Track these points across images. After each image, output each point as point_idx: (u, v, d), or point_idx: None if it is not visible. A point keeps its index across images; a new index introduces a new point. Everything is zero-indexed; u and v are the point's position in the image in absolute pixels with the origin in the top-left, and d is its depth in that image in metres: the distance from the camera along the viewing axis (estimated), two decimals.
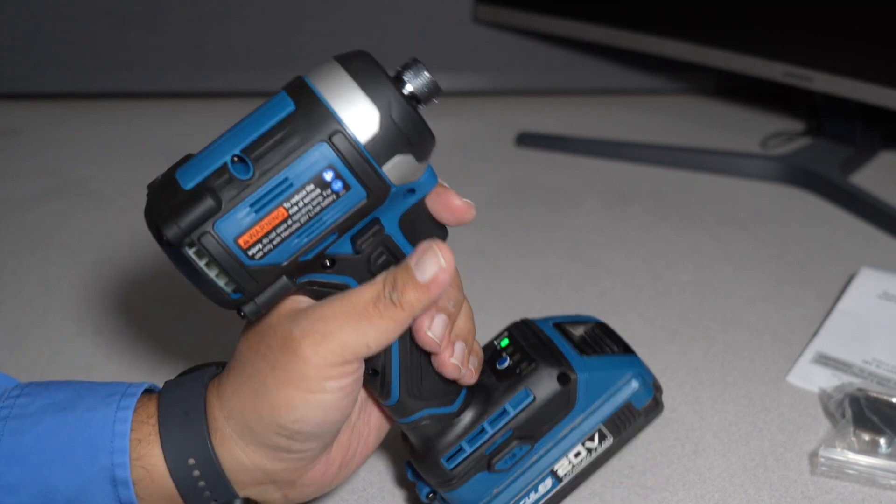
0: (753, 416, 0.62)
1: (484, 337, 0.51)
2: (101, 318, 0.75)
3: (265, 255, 0.39)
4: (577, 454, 0.48)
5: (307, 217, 0.38)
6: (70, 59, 1.20)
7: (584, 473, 0.49)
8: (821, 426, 0.61)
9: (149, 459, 0.44)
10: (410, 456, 0.49)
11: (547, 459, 0.48)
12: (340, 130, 0.37)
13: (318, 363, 0.41)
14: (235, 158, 0.38)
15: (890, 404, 0.59)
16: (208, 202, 0.37)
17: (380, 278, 0.42)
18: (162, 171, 0.40)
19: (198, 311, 0.71)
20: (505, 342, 0.50)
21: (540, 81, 1.29)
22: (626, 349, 0.50)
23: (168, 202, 0.38)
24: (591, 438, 0.48)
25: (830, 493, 0.55)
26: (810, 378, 0.66)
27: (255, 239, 0.38)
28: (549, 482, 0.48)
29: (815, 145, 1.06)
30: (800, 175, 0.99)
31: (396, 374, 0.45)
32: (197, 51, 1.21)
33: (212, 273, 0.39)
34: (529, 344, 0.49)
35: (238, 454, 0.44)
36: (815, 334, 0.70)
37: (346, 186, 0.38)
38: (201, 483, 0.44)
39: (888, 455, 0.56)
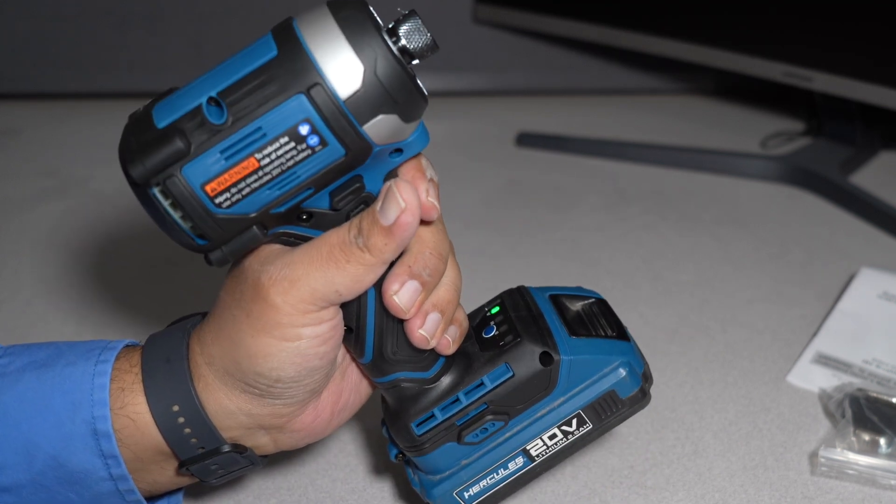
0: (753, 416, 0.62)
1: (478, 302, 0.50)
2: (102, 318, 0.75)
3: (233, 204, 0.37)
4: (553, 436, 0.46)
5: (279, 170, 0.37)
6: (70, 59, 1.20)
7: (559, 455, 0.47)
8: (821, 426, 0.61)
9: (133, 408, 0.43)
10: (385, 415, 0.48)
11: (520, 438, 0.46)
12: (320, 83, 0.35)
13: (289, 311, 0.40)
14: (211, 101, 0.36)
15: (890, 404, 0.59)
16: (177, 144, 0.36)
17: (347, 223, 0.41)
18: None
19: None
20: (495, 310, 0.48)
21: (540, 81, 1.29)
22: (621, 333, 0.47)
23: (139, 138, 0.37)
24: (569, 423, 0.45)
25: (830, 493, 0.55)
26: (810, 378, 0.66)
27: (222, 187, 0.37)
28: (520, 460, 0.46)
29: (815, 145, 1.06)
30: (800, 175, 1.00)
31: (371, 333, 0.44)
32: (197, 51, 1.21)
33: (176, 216, 0.37)
34: (519, 315, 0.46)
35: (222, 399, 0.43)
36: (815, 334, 0.70)
37: (323, 142, 0.36)
38: (187, 430, 0.43)
39: (888, 455, 0.56)
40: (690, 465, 0.58)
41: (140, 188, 0.37)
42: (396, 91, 0.36)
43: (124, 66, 1.22)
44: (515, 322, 0.46)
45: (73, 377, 0.43)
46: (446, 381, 0.45)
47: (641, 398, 0.46)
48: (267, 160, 0.36)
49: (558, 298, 0.48)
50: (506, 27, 1.23)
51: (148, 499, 0.46)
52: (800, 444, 0.60)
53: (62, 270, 0.81)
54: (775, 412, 0.63)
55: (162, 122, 0.36)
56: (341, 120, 0.36)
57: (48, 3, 1.17)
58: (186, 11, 1.19)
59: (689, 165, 1.04)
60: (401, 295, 0.42)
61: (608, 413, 0.45)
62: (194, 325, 0.46)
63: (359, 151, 0.37)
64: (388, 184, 0.40)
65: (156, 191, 0.37)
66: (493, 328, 0.46)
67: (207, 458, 0.44)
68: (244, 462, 0.45)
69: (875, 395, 0.60)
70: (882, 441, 0.57)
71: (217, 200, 0.37)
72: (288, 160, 0.36)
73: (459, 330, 0.45)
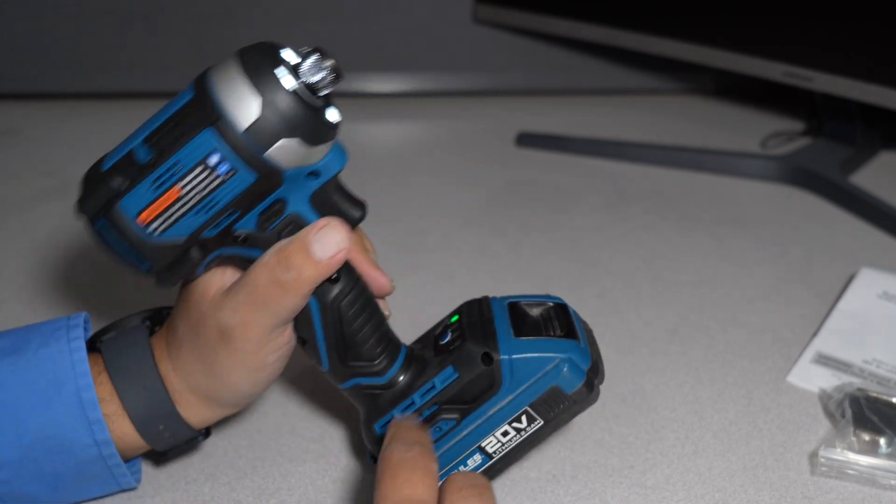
0: (753, 416, 0.62)
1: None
2: (102, 317, 0.75)
3: (165, 230, 0.42)
4: (506, 433, 0.48)
5: (199, 197, 0.41)
6: (70, 59, 1.20)
7: (515, 452, 0.49)
8: (821, 426, 0.61)
9: (119, 430, 0.48)
10: (360, 420, 0.51)
11: (474, 435, 0.48)
12: (223, 116, 0.40)
13: (252, 348, 0.45)
14: (142, 143, 0.42)
15: (890, 404, 0.59)
16: (114, 182, 0.42)
17: (270, 255, 0.45)
18: None
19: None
20: (455, 318, 0.51)
21: (540, 81, 1.29)
22: (570, 332, 0.49)
23: (88, 181, 0.43)
24: (519, 419, 0.48)
25: (830, 493, 0.55)
26: (810, 378, 0.66)
27: (153, 215, 0.42)
28: (478, 457, 0.49)
29: (815, 145, 1.06)
30: (800, 175, 1.00)
31: (322, 344, 0.48)
32: (197, 51, 1.21)
33: (120, 245, 0.43)
34: (470, 322, 0.49)
35: (196, 412, 0.49)
36: (815, 334, 0.70)
37: (233, 169, 0.41)
38: (167, 435, 0.49)
39: (888, 455, 0.56)
40: (690, 465, 0.58)
41: (89, 224, 0.43)
42: (294, 118, 0.41)
43: (124, 66, 1.22)
44: (466, 328, 0.49)
45: (51, 357, 0.47)
46: (402, 383, 0.49)
47: (588, 393, 0.48)
48: (187, 188, 0.41)
49: (517, 305, 0.51)
50: (506, 27, 1.23)
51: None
52: (800, 444, 0.60)
53: (62, 270, 0.81)
54: (775, 412, 0.63)
55: (106, 166, 0.43)
56: (245, 147, 0.41)
57: (48, 3, 1.17)
58: (186, 11, 1.19)
59: (689, 165, 1.04)
60: (391, 281, 0.49)
61: (556, 408, 0.48)
62: (147, 331, 0.51)
63: (269, 175, 0.42)
64: (321, 221, 0.45)
65: (101, 225, 0.43)
66: (448, 335, 0.50)
67: (183, 445, 0.51)
68: (206, 437, 0.53)
69: (875, 395, 0.60)
70: (882, 441, 0.57)
71: (150, 228, 0.42)
72: (206, 188, 0.41)
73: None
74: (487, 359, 0.47)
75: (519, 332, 0.48)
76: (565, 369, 0.47)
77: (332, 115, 0.43)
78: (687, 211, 0.95)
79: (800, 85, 0.96)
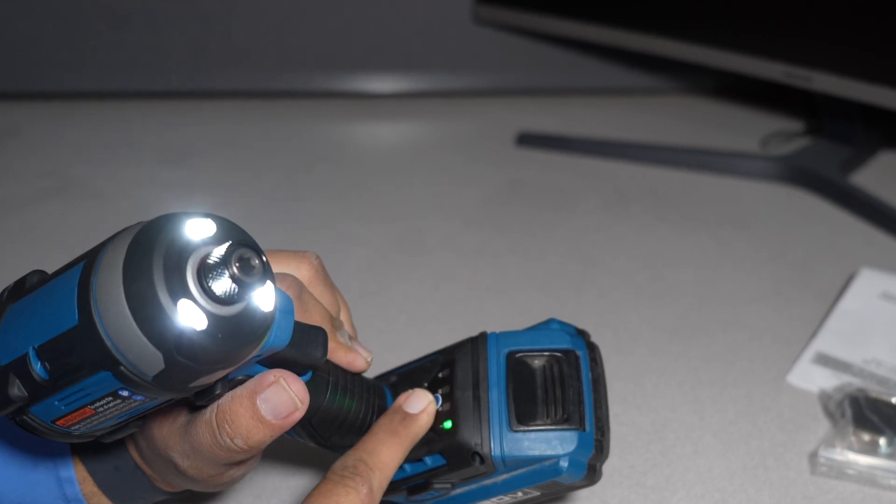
0: (753, 416, 0.62)
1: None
2: None
3: (90, 428, 0.36)
4: (500, 500, 0.46)
5: (117, 412, 0.35)
6: (70, 59, 1.20)
7: None
8: (821, 426, 0.61)
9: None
10: None
11: (468, 497, 0.46)
12: (122, 365, 0.32)
13: (206, 481, 0.43)
14: (34, 353, 0.34)
15: (890, 404, 0.59)
16: (16, 392, 0.34)
17: (210, 415, 0.39)
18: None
19: None
20: (444, 373, 0.47)
21: (540, 81, 1.29)
22: (572, 414, 0.43)
23: None
24: (514, 494, 0.46)
25: (830, 493, 0.55)
26: (810, 378, 0.66)
27: (72, 422, 0.36)
28: None
29: (815, 145, 1.06)
30: (800, 175, 1.00)
31: (307, 440, 0.45)
32: (197, 51, 1.21)
33: (42, 435, 0.37)
34: (463, 397, 0.45)
35: (172, 487, 0.47)
36: (814, 334, 0.70)
37: (150, 397, 0.34)
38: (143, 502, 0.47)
39: (888, 455, 0.56)
40: (690, 465, 0.58)
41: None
42: (210, 359, 0.33)
43: (124, 66, 1.22)
44: (458, 404, 0.45)
45: (32, 440, 0.45)
46: None
47: (590, 480, 0.44)
48: (102, 408, 0.35)
49: (517, 358, 0.46)
50: (506, 27, 1.23)
51: None
52: (799, 444, 0.60)
53: None
54: (775, 412, 0.63)
55: (3, 359, 0.35)
56: (157, 390, 0.33)
57: (48, 3, 1.17)
58: (186, 11, 1.19)
59: (689, 165, 1.04)
60: (366, 353, 0.45)
61: (554, 489, 0.45)
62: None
63: (195, 391, 0.35)
64: (272, 375, 0.38)
65: (13, 420, 0.36)
66: (438, 399, 0.46)
67: None
68: None
69: (875, 395, 0.60)
70: (882, 441, 0.57)
71: (73, 429, 0.36)
72: (122, 408, 0.35)
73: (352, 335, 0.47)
74: (478, 457, 0.44)
75: (517, 417, 0.44)
76: (565, 466, 0.43)
77: (263, 301, 0.34)
78: (687, 211, 0.95)
79: (800, 85, 0.96)
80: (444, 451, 0.44)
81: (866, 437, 0.57)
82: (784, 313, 0.75)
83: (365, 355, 0.45)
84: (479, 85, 1.27)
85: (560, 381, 0.45)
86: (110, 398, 0.34)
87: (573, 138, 1.10)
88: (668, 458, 0.58)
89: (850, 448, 0.56)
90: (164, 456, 0.42)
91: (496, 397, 0.44)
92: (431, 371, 0.48)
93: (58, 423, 0.36)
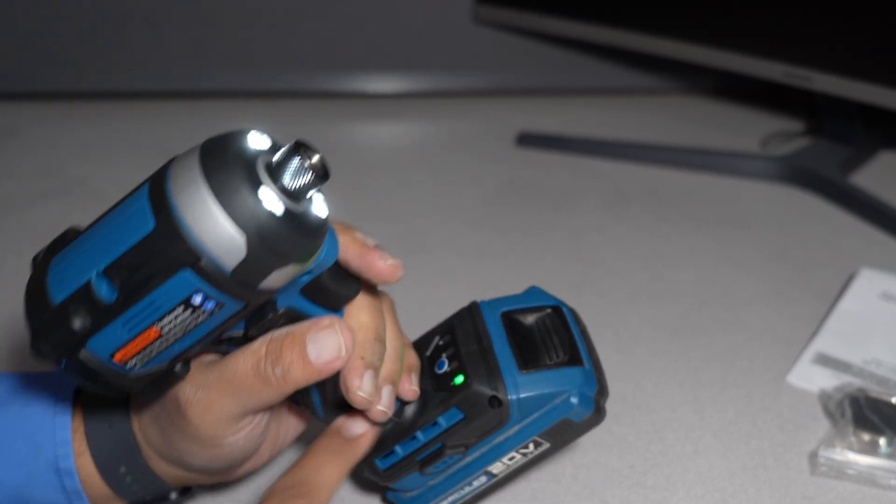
0: (753, 416, 0.62)
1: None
2: None
3: (146, 363, 0.37)
4: (512, 458, 0.47)
5: (183, 332, 0.36)
6: (70, 59, 1.20)
7: (520, 470, 0.48)
8: (821, 426, 0.61)
9: (83, 466, 0.45)
10: None
11: (480, 462, 0.47)
12: (203, 259, 0.33)
13: (206, 429, 0.41)
14: (100, 276, 0.35)
15: (890, 404, 0.59)
16: (76, 324, 0.35)
17: (261, 344, 0.40)
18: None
19: None
20: (445, 335, 0.49)
21: (540, 81, 1.29)
22: (573, 356, 0.46)
23: (38, 314, 0.37)
24: (526, 446, 0.47)
25: (830, 493, 0.55)
26: (810, 378, 0.66)
27: (131, 354, 0.36)
28: (483, 478, 0.48)
29: (815, 145, 1.06)
30: (800, 175, 1.00)
31: (318, 402, 0.45)
32: (197, 51, 1.21)
33: (94, 381, 0.37)
34: (468, 351, 0.46)
35: (163, 467, 0.46)
36: (814, 334, 0.70)
37: (220, 304, 0.35)
38: (134, 487, 0.46)
39: (888, 455, 0.56)
40: (690, 465, 0.58)
41: (53, 363, 0.37)
42: (285, 249, 0.35)
43: (124, 66, 1.22)
44: (465, 358, 0.46)
45: (32, 418, 0.45)
46: (405, 417, 0.47)
47: (597, 417, 0.46)
48: (168, 327, 0.35)
49: (511, 316, 0.48)
50: (506, 27, 1.23)
51: None
52: (800, 444, 0.60)
53: None
54: (775, 412, 0.63)
55: (58, 297, 0.36)
56: (233, 286, 0.34)
57: (48, 3, 1.17)
58: (186, 11, 1.19)
59: (689, 165, 1.04)
60: (365, 390, 0.42)
61: (564, 434, 0.47)
62: None
63: (259, 299, 0.37)
64: (327, 320, 0.40)
65: (67, 364, 0.36)
66: (444, 363, 0.47)
67: (156, 501, 0.48)
68: (189, 497, 0.49)
69: (875, 395, 0.60)
70: (882, 441, 0.57)
71: (129, 365, 0.37)
72: (189, 324, 0.36)
73: (415, 375, 0.46)
74: (495, 401, 0.45)
75: (524, 362, 0.45)
76: (575, 402, 0.45)
77: (320, 209, 0.37)
78: (687, 211, 0.95)
79: (800, 85, 0.96)
80: (461, 404, 0.45)
81: (866, 437, 0.57)
82: (784, 313, 0.75)
83: (389, 260, 0.42)
84: (479, 85, 1.27)
85: (554, 330, 0.47)
86: (180, 309, 0.34)
87: (573, 138, 1.10)
88: (668, 458, 0.58)
89: (850, 448, 0.56)
90: (170, 401, 0.42)
91: (501, 349, 0.46)
92: (430, 342, 0.49)
93: (115, 358, 0.36)
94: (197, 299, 0.34)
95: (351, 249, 0.42)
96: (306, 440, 0.60)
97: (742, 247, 0.87)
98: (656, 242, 0.88)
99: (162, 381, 0.39)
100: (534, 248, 0.87)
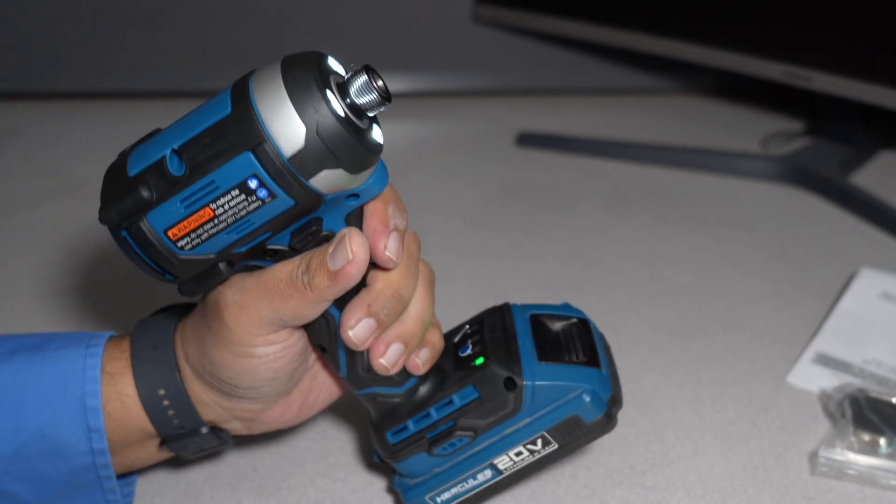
0: (753, 416, 0.62)
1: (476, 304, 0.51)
2: (102, 317, 0.75)
3: (194, 247, 0.40)
4: (519, 453, 0.48)
5: (234, 218, 0.39)
6: (70, 59, 1.20)
7: (526, 470, 0.49)
8: (821, 426, 0.61)
9: (122, 389, 0.47)
10: (369, 420, 0.50)
11: (487, 452, 0.48)
12: (265, 142, 0.37)
13: (240, 332, 0.44)
14: (174, 152, 0.39)
15: (890, 404, 0.59)
16: (142, 193, 0.39)
17: (299, 256, 0.43)
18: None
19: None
20: (475, 327, 0.50)
21: (540, 81, 1.29)
22: (592, 358, 0.48)
23: (113, 185, 0.41)
24: (534, 442, 0.47)
25: (830, 493, 0.55)
26: (810, 378, 0.66)
27: (183, 232, 0.40)
28: (488, 473, 0.48)
29: (815, 145, 1.06)
30: (800, 175, 1.00)
31: (342, 353, 0.46)
32: (197, 51, 1.21)
33: (145, 256, 0.41)
34: (493, 337, 0.48)
35: (198, 391, 0.47)
36: (815, 334, 0.70)
37: (272, 195, 0.39)
38: (170, 412, 0.48)
39: (888, 455, 0.56)
40: (690, 465, 0.58)
41: (113, 230, 0.41)
42: (339, 149, 0.38)
43: (124, 66, 1.22)
44: (488, 343, 0.48)
45: (65, 357, 0.47)
46: (421, 394, 0.48)
47: (606, 423, 0.47)
48: (221, 210, 0.39)
49: (539, 318, 0.50)
50: (506, 27, 1.23)
51: (117, 476, 0.50)
52: (800, 444, 0.60)
53: (62, 270, 0.81)
54: (775, 412, 0.63)
55: (133, 171, 0.40)
56: (287, 176, 0.38)
57: (48, 3, 1.17)
58: (186, 11, 1.19)
59: (689, 165, 1.04)
60: (356, 331, 0.44)
61: (573, 435, 0.47)
62: (181, 315, 0.49)
63: (308, 201, 0.40)
64: (343, 231, 0.42)
65: (126, 233, 0.41)
66: (468, 347, 0.49)
67: (187, 437, 0.49)
68: (218, 441, 0.50)
69: (875, 395, 0.60)
70: (882, 441, 0.57)
71: (180, 244, 0.40)
72: (241, 210, 0.39)
73: (431, 352, 0.48)
74: (510, 383, 0.46)
75: (543, 354, 0.47)
76: (587, 400, 0.46)
77: (377, 135, 0.41)
78: (687, 211, 0.95)
79: (800, 85, 0.96)
80: (477, 383, 0.46)
81: (866, 437, 0.57)
82: (784, 313, 0.75)
83: (389, 249, 0.44)
84: (479, 85, 1.27)
85: (578, 337, 0.49)
86: (236, 191, 0.38)
87: (573, 138, 1.10)
88: (668, 458, 0.58)
89: (851, 448, 0.56)
90: (210, 298, 0.44)
91: (524, 340, 0.48)
92: (460, 330, 0.51)
93: (169, 233, 0.40)
94: (252, 183, 0.38)
95: (371, 220, 0.44)
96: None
97: (742, 247, 0.87)
98: (656, 242, 0.88)
99: (206, 276, 0.42)
100: (534, 248, 0.87)
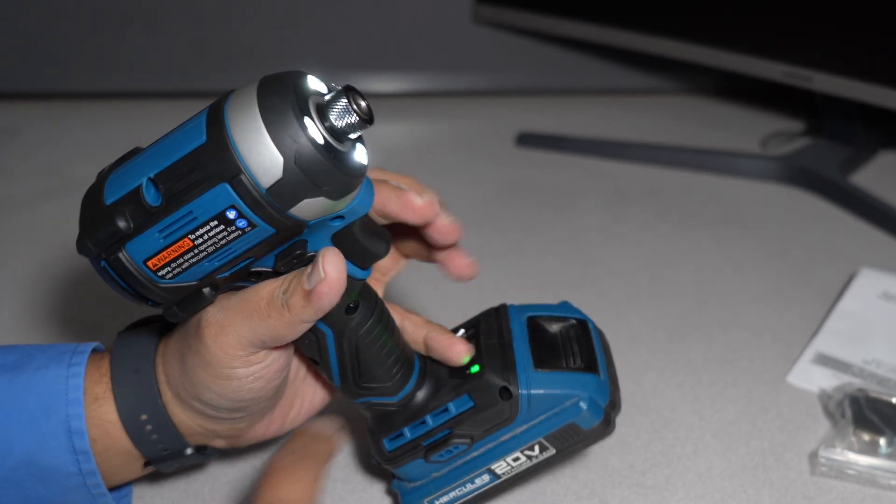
0: (753, 416, 0.62)
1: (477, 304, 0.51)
2: (102, 317, 0.75)
3: (176, 276, 0.39)
4: (517, 459, 0.47)
5: (214, 247, 0.38)
6: (70, 59, 1.20)
7: (524, 475, 0.48)
8: (821, 426, 0.61)
9: (105, 416, 0.46)
10: (366, 426, 0.50)
11: (484, 458, 0.48)
12: (242, 174, 0.36)
13: (218, 353, 0.43)
14: (150, 181, 0.38)
15: (890, 404, 0.59)
16: (119, 224, 0.38)
17: (282, 277, 0.42)
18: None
19: None
20: (470, 330, 0.50)
21: (540, 81, 1.29)
22: (590, 363, 0.47)
23: (90, 213, 0.39)
24: (531, 448, 0.47)
25: (830, 493, 0.55)
26: (810, 378, 0.66)
27: (163, 262, 0.39)
28: (486, 477, 0.48)
29: (815, 145, 1.06)
30: (800, 175, 1.00)
31: (335, 366, 0.46)
32: (197, 51, 1.21)
33: (125, 285, 0.40)
34: (489, 343, 0.48)
35: (180, 414, 0.47)
36: (815, 334, 0.70)
37: (251, 224, 0.37)
38: (154, 436, 0.47)
39: (888, 455, 0.56)
40: (690, 465, 0.58)
41: (92, 260, 0.40)
42: (319, 179, 0.37)
43: (124, 66, 1.22)
44: (484, 351, 0.47)
45: (46, 379, 0.46)
46: (417, 401, 0.48)
47: (605, 429, 0.47)
48: (201, 240, 0.38)
49: (536, 321, 0.49)
50: (506, 27, 1.23)
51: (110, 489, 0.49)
52: (800, 444, 0.60)
53: (62, 270, 0.81)
54: (775, 412, 0.63)
55: (109, 199, 0.39)
56: (265, 207, 0.37)
57: (48, 3, 1.17)
58: (186, 11, 1.19)
59: (689, 165, 1.04)
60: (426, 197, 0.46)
61: (570, 441, 0.47)
62: (162, 333, 0.49)
63: (290, 228, 0.39)
64: (322, 250, 0.41)
65: (105, 263, 0.40)
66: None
67: (172, 458, 0.48)
68: (203, 457, 0.50)
69: (875, 395, 0.60)
70: (882, 441, 0.57)
71: (160, 273, 0.39)
72: (221, 239, 0.38)
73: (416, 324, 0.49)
74: (506, 392, 0.45)
75: (539, 361, 0.47)
76: (584, 407, 0.45)
77: (360, 156, 0.39)
78: (687, 211, 0.95)
79: (800, 85, 0.96)
80: (472, 392, 0.46)
81: (866, 437, 0.57)
82: (784, 313, 0.75)
83: (424, 195, 0.45)
84: (479, 85, 1.27)
85: (576, 339, 0.49)
86: (214, 223, 0.37)
87: (573, 138, 1.10)
88: (668, 458, 0.58)
89: (851, 448, 0.56)
90: (192, 323, 0.43)
91: (520, 346, 0.47)
92: (456, 332, 0.50)
93: (149, 263, 0.39)
94: (231, 214, 0.37)
95: (387, 192, 0.45)
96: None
97: (742, 247, 0.87)
98: (656, 242, 0.88)
99: (190, 301, 0.41)
100: (534, 248, 0.87)
